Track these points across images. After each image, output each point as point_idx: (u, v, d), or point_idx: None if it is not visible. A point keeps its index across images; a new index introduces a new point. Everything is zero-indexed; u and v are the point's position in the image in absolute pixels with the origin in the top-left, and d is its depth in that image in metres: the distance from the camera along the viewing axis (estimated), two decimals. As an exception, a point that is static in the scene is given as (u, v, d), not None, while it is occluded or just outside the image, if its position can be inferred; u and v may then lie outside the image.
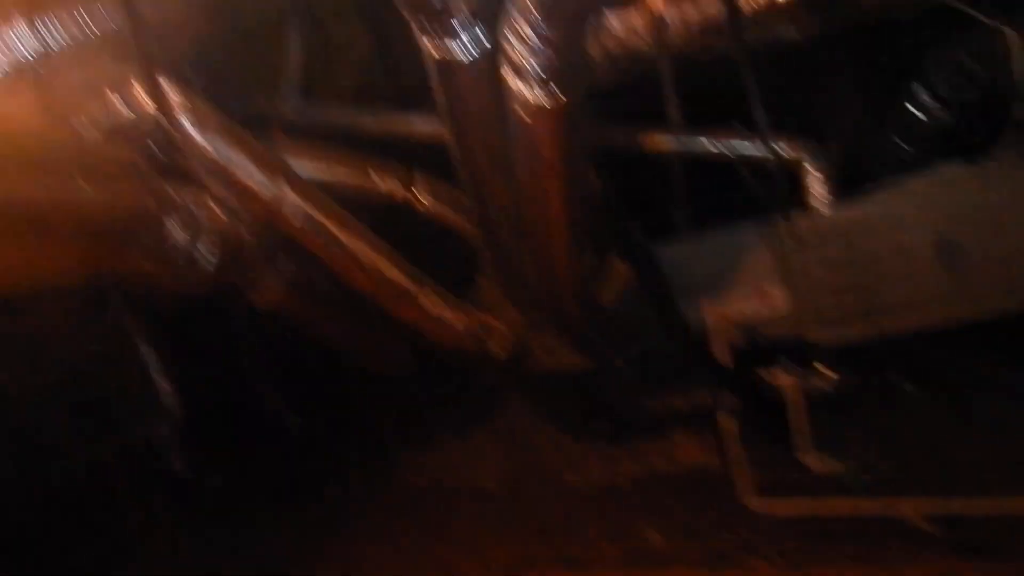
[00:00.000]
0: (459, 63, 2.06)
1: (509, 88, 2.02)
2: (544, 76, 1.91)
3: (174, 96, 2.37)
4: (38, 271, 1.85)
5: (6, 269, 1.75)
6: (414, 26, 2.02)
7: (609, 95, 2.70)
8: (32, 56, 2.18)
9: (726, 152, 2.82)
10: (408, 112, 3.18)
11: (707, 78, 2.65)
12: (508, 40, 1.91)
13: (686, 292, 2.97)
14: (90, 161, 2.05)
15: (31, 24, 2.17)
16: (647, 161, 2.95)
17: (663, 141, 2.88)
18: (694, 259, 2.96)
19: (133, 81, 2.29)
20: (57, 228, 1.87)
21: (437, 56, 2.07)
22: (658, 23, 2.61)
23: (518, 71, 1.94)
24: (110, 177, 2.06)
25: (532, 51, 1.87)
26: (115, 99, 2.28)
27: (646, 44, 2.64)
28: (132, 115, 2.31)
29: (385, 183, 3.02)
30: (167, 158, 2.38)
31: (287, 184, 2.54)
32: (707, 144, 2.84)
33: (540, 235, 2.52)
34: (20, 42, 2.17)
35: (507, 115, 2.12)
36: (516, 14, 1.84)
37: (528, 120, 2.04)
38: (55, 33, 2.22)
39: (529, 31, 1.82)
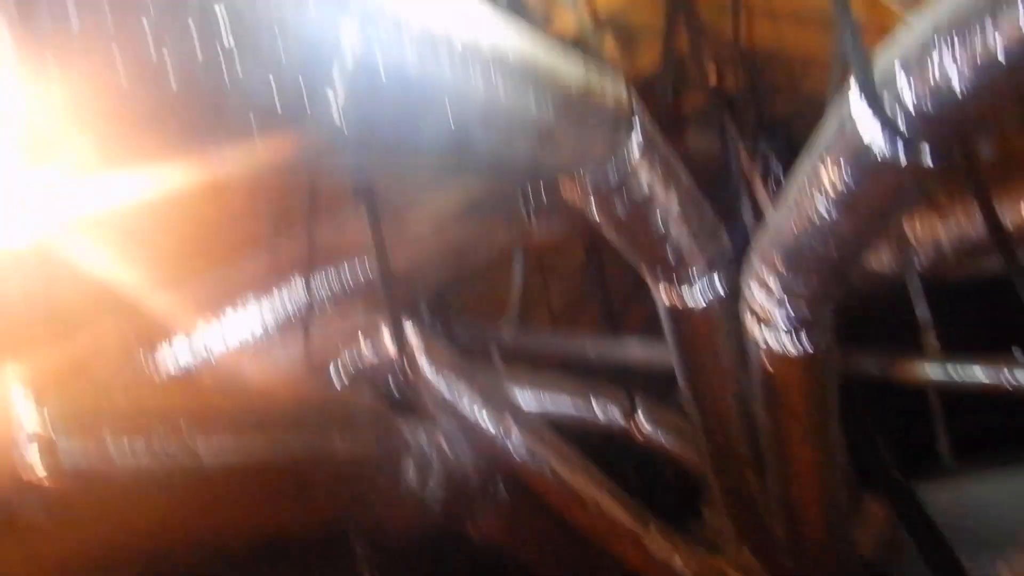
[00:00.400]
0: (692, 309, 2.02)
1: (750, 335, 1.91)
2: (791, 327, 1.79)
3: (413, 337, 2.52)
4: (286, 523, 1.93)
5: (257, 524, 1.82)
6: (645, 274, 2.02)
7: (856, 318, 2.50)
8: (299, 311, 2.43)
9: (1001, 381, 2.44)
10: (620, 336, 3.16)
11: (972, 297, 2.37)
12: (750, 288, 1.83)
13: (963, 541, 2.49)
14: (341, 411, 2.17)
15: (301, 281, 2.44)
16: (905, 390, 2.63)
17: (921, 369, 2.56)
18: (971, 502, 2.50)
19: (381, 326, 2.47)
20: (310, 481, 1.96)
21: (668, 303, 2.04)
22: (905, 247, 2.42)
23: (762, 319, 1.84)
24: (358, 425, 2.17)
25: (778, 302, 1.76)
26: (364, 345, 2.47)
27: (892, 269, 2.45)
28: (377, 359, 2.48)
29: (605, 411, 2.94)
30: (403, 398, 2.50)
31: (512, 419, 2.56)
32: (975, 372, 2.49)
33: (784, 477, 2.28)
34: (290, 298, 2.44)
35: (747, 360, 2.01)
36: (760, 264, 1.76)
37: (772, 368, 1.90)
38: (321, 288, 2.48)
39: (775, 282, 1.73)
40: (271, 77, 0.79)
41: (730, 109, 2.58)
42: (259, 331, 2.33)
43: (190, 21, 0.71)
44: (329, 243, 2.56)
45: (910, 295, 2.49)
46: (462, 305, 3.13)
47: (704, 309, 1.99)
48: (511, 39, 1.20)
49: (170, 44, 0.69)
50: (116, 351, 2.01)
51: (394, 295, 2.44)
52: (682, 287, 1.95)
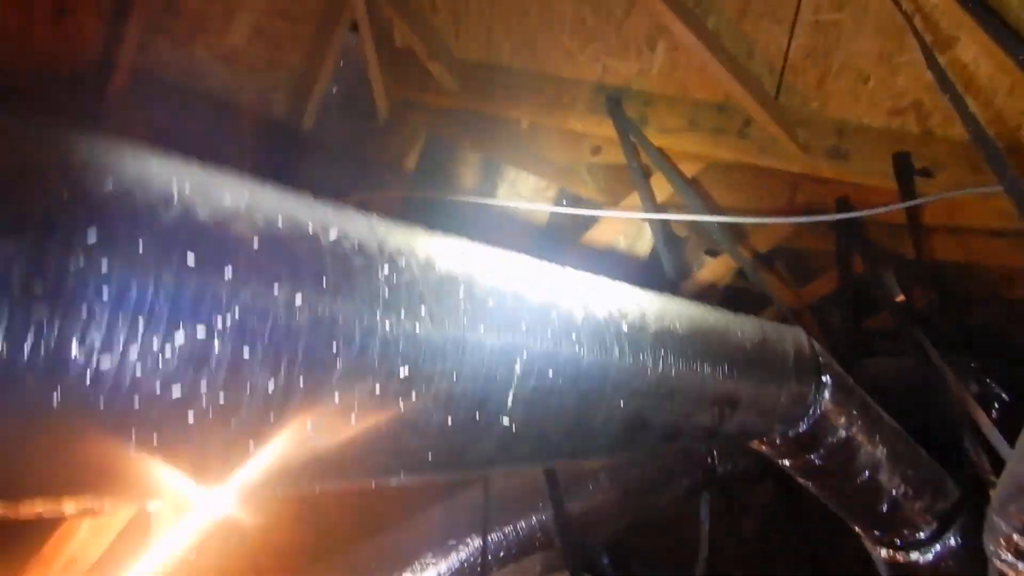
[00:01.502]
0: (918, 563, 1.72)
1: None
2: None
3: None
4: None
5: None
6: (859, 532, 1.76)
7: None
8: (476, 568, 2.33)
9: None
10: None
11: None
12: (995, 549, 1.52)
13: None
14: None
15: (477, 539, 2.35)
16: None
17: None
18: None
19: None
20: None
21: (889, 558, 1.76)
22: None
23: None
24: None
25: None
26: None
27: None
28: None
29: None
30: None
31: None
32: None
33: None
34: (468, 555, 2.36)
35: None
36: (1003, 521, 1.48)
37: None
38: (498, 544, 2.39)
39: (1028, 545, 1.43)
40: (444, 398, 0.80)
41: (923, 325, 2.36)
42: (436, 592, 2.25)
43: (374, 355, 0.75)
44: (503, 493, 2.52)
45: None
46: (647, 550, 2.89)
47: (934, 564, 1.68)
48: (677, 309, 1.18)
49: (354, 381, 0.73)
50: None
51: (572, 545, 2.31)
52: (910, 553, 1.68)
